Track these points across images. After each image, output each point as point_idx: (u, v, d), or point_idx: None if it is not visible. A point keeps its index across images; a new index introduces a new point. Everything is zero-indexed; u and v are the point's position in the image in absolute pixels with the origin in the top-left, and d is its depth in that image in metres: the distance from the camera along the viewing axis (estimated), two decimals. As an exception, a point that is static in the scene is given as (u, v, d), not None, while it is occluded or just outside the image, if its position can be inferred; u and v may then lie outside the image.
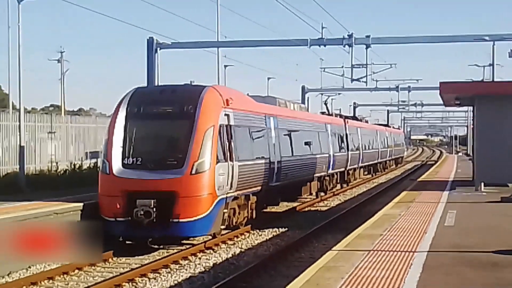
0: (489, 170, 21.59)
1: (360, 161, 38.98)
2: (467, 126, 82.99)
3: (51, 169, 24.75)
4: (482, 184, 21.89)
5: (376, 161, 46.88)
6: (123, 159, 16.30)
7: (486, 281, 8.69)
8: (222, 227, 17.06)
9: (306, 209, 25.34)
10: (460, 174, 31.45)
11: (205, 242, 16.58)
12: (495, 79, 40.02)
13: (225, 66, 50.07)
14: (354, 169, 37.77)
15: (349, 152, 34.91)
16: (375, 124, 58.16)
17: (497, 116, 21.30)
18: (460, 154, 78.73)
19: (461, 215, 15.46)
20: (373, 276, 8.89)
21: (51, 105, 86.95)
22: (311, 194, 27.47)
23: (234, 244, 17.25)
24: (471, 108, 31.05)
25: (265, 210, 22.25)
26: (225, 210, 16.78)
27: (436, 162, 59.10)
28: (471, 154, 45.44)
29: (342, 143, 33.69)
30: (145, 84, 25.84)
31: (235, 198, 17.53)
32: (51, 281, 13.17)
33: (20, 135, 22.19)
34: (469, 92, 23.26)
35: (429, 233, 12.70)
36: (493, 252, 10.67)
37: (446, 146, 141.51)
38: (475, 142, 23.05)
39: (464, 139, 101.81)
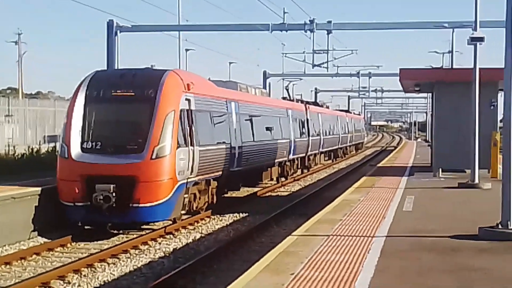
0: (447, 156, 21.91)
1: (321, 147, 39.16)
2: (426, 113, 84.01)
3: (8, 153, 24.36)
4: (440, 170, 22.20)
5: (336, 147, 47.17)
6: (82, 143, 16.11)
7: (443, 265, 8.83)
8: (183, 212, 17.01)
9: (267, 194, 25.41)
10: (419, 160, 31.83)
11: (165, 227, 16.51)
12: (454, 66, 40.53)
13: (186, 50, 49.97)
14: (315, 155, 37.94)
15: (310, 138, 35.04)
16: (336, 110, 58.49)
17: (455, 102, 21.58)
18: (419, 140, 79.74)
19: (419, 201, 15.66)
20: (332, 261, 8.96)
21: (8, 88, 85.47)
22: (272, 179, 27.53)
23: (194, 229, 17.22)
24: (430, 94, 31.43)
25: (225, 195, 22.24)
26: (186, 195, 16.73)
27: (395, 148, 59.73)
28: (429, 140, 46.02)
29: (303, 129, 33.79)
30: (105, 68, 25.56)
31: (196, 183, 17.48)
32: (8, 266, 12.99)
33: (-24, 118, 21.78)
34: (428, 79, 23.54)
35: (388, 218, 12.85)
36: (450, 237, 10.84)
37: (405, 132, 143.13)
38: (434, 128, 23.36)
39: (424, 125, 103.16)
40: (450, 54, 43.90)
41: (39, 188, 15.93)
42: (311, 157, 36.58)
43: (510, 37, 10.68)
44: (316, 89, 74.27)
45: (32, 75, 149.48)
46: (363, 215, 13.21)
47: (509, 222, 10.57)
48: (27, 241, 15.19)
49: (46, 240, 15.37)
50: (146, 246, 14.89)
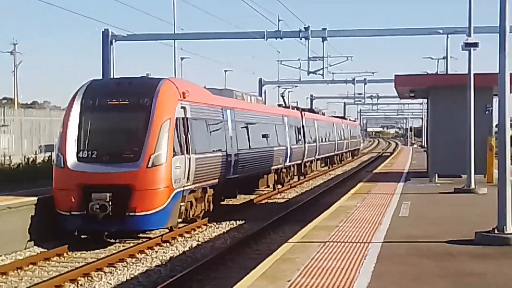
0: (443, 162, 21.95)
1: (317, 153, 39.20)
2: (422, 118, 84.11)
3: (4, 163, 24.34)
4: (436, 175, 22.23)
5: (332, 153, 47.20)
6: (78, 152, 16.10)
7: (439, 271, 8.84)
8: (179, 220, 16.99)
9: (264, 201, 25.40)
10: (415, 166, 31.88)
11: (161, 235, 16.49)
12: (450, 72, 40.61)
13: (182, 58, 49.96)
14: (311, 161, 37.97)
15: (306, 145, 35.08)
16: (331, 116, 58.55)
17: (450, 108, 21.63)
18: (415, 146, 79.82)
19: (415, 206, 15.68)
20: (328, 267, 8.96)
21: (4, 98, 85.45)
22: (268, 186, 27.53)
23: (191, 237, 17.21)
24: (425, 100, 31.49)
25: (222, 202, 22.23)
26: (182, 203, 16.71)
27: (391, 154, 59.80)
28: (425, 146, 46.04)
29: (299, 136, 33.83)
30: (101, 77, 25.56)
31: (192, 191, 17.47)
32: (4, 276, 12.95)
33: (-29, 128, 21.75)
34: (423, 85, 23.61)
35: (384, 224, 12.86)
36: (447, 242, 10.85)
37: (401, 138, 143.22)
38: (429, 134, 23.40)
39: (419, 131, 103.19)
40: (445, 59, 43.97)
41: (35, 198, 15.90)
42: (308, 164, 36.60)
43: (504, 42, 10.72)
44: (311, 96, 74.37)
45: (28, 85, 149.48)
46: (360, 221, 13.22)
47: (505, 227, 10.58)
48: (23, 251, 15.15)
49: (42, 249, 15.34)
50: (143, 255, 14.87)
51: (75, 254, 15.02)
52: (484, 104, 21.23)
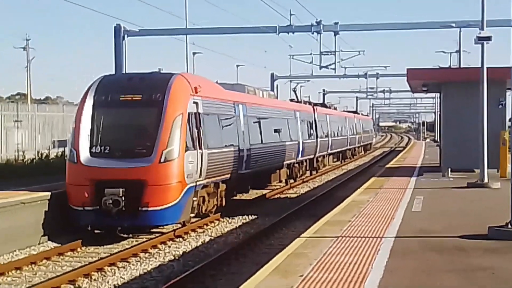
0: (455, 156, 21.86)
1: (329, 148, 39.15)
2: (434, 113, 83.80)
3: (17, 158, 24.48)
4: (449, 170, 22.15)
5: (345, 148, 47.12)
6: (90, 147, 16.16)
7: (452, 266, 8.81)
8: (192, 215, 17.03)
9: (276, 196, 25.41)
10: (428, 160, 31.77)
11: (174, 230, 16.54)
12: (462, 66, 40.41)
13: (194, 53, 49.97)
14: (323, 156, 37.92)
15: (318, 139, 35.03)
16: (343, 111, 58.42)
17: (463, 102, 21.53)
18: (427, 140, 79.52)
19: (428, 201, 15.63)
20: (341, 262, 8.96)
21: (18, 94, 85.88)
22: (280, 181, 27.53)
23: (203, 232, 17.25)
24: (438, 94, 31.37)
25: (234, 197, 22.26)
26: (195, 198, 16.75)
27: (404, 148, 59.63)
28: (438, 140, 45.88)
29: (311, 130, 33.79)
30: (113, 72, 25.63)
31: (205, 186, 17.50)
32: (18, 271, 13.04)
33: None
34: (436, 79, 23.51)
35: (397, 218, 12.83)
36: (459, 237, 10.82)
37: (414, 133, 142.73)
38: (442, 128, 23.31)
39: (432, 125, 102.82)
40: (458, 53, 43.77)
41: (49, 193, 15.97)
42: (320, 159, 36.56)
43: (517, 36, 10.66)
44: (323, 90, 74.24)
45: (41, 81, 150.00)
46: (372, 216, 13.20)
47: (518, 222, 10.54)
48: (37, 246, 15.24)
49: (56, 244, 15.42)
50: (156, 250, 14.92)
51: (89, 249, 15.09)
52: (497, 98, 21.11)
